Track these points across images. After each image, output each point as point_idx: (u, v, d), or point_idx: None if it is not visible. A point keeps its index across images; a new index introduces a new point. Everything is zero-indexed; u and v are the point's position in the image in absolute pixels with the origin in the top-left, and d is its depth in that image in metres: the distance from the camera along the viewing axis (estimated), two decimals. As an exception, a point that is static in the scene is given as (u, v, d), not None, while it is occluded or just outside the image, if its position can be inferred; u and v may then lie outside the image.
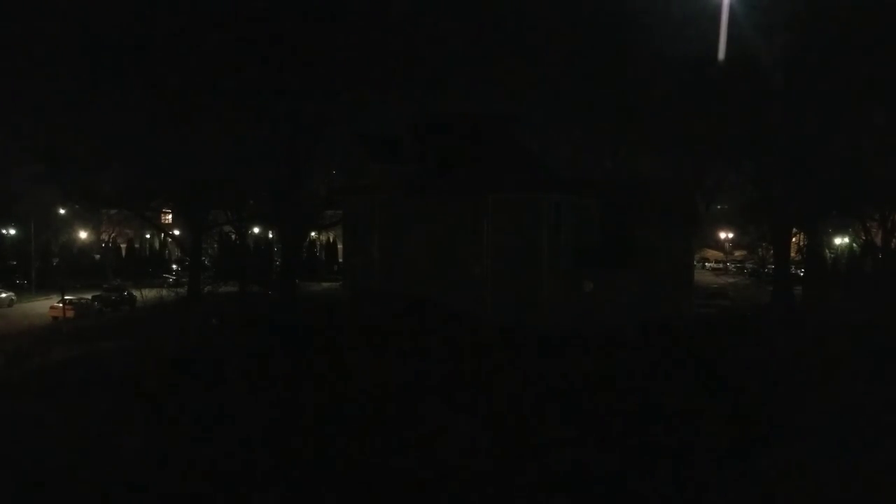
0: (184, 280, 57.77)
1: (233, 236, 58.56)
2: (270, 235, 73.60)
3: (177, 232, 69.32)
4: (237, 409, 24.30)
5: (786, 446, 21.34)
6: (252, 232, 68.70)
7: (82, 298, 49.54)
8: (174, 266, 72.29)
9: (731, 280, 62.45)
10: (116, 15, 43.35)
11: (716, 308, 45.88)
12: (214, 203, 54.55)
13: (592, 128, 52.12)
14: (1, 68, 46.67)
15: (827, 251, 63.85)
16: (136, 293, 52.31)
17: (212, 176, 49.39)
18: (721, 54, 40.07)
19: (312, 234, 69.93)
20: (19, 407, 25.77)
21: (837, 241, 69.69)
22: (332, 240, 75.02)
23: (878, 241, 58.89)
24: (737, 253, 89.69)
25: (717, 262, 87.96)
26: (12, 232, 68.83)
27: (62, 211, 71.46)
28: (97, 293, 53.46)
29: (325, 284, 59.03)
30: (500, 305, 35.86)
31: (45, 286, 58.86)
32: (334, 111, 46.62)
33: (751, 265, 73.76)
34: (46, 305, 49.32)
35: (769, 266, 59.36)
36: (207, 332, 35.87)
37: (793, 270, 54.17)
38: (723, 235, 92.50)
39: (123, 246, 76.38)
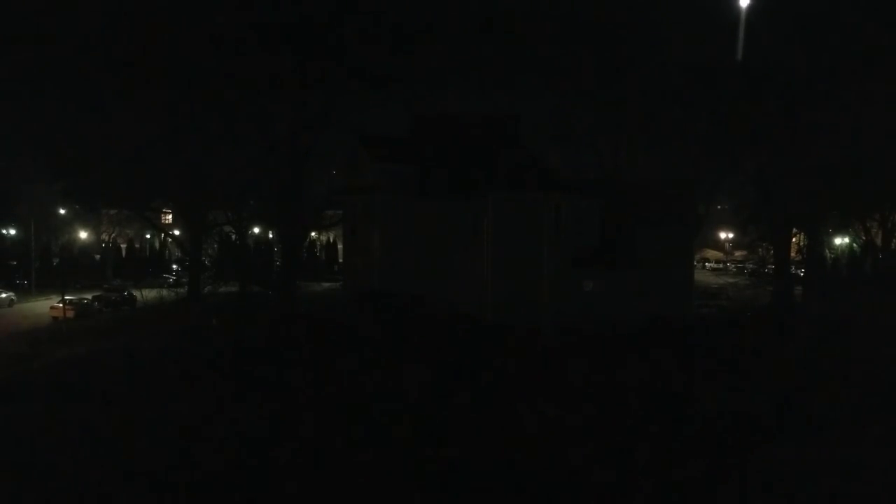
0: (184, 280, 57.74)
1: (233, 236, 58.49)
2: (270, 235, 73.53)
3: (177, 232, 69.25)
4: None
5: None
6: (252, 232, 68.60)
7: (82, 298, 49.48)
8: (174, 266, 72.20)
9: (731, 280, 62.30)
10: (118, 16, 43.36)
11: (716, 308, 45.87)
12: (214, 203, 54.50)
13: (593, 128, 52.05)
14: (3, 70, 46.72)
15: (827, 251, 63.75)
16: (136, 293, 52.27)
17: (212, 176, 49.35)
18: (738, 55, 40.20)
19: (312, 234, 69.86)
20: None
21: (837, 241, 69.62)
22: (332, 240, 74.96)
23: (878, 241, 58.88)
24: (737, 253, 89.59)
25: (717, 262, 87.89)
26: (12, 232, 68.78)
27: (62, 211, 71.36)
28: (97, 293, 53.40)
29: (326, 284, 58.99)
30: (500, 305, 35.88)
31: (45, 286, 58.79)
32: (334, 111, 46.62)
33: (751, 265, 73.67)
34: (46, 305, 49.26)
35: (769, 266, 59.29)
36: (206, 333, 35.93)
37: (793, 270, 54.11)
38: (723, 235, 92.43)
39: (123, 246, 76.21)
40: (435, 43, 45.58)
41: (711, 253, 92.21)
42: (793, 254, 55.00)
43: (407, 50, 44.68)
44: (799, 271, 55.72)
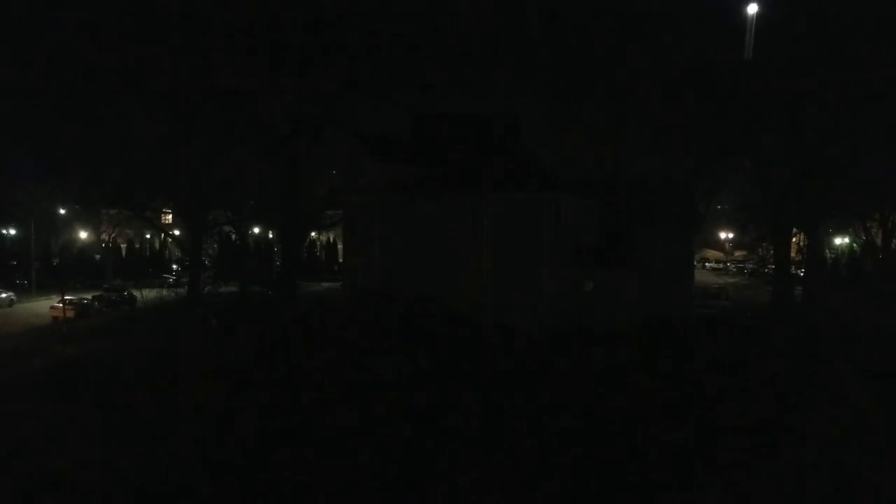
0: (184, 280, 57.74)
1: (233, 236, 58.49)
2: (270, 235, 73.59)
3: (177, 232, 69.28)
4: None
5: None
6: (252, 232, 68.66)
7: (82, 298, 49.50)
8: (174, 266, 72.27)
9: (731, 280, 62.39)
10: (118, 16, 43.36)
11: (716, 308, 45.90)
12: (214, 203, 54.52)
13: (592, 127, 52.07)
14: (4, 71, 46.73)
15: (827, 251, 63.82)
16: (136, 293, 52.29)
17: (212, 176, 49.33)
18: (748, 54, 40.27)
19: (312, 234, 69.90)
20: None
21: (837, 241, 69.72)
22: (332, 240, 75.06)
23: (878, 241, 58.95)
24: (737, 253, 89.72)
25: (717, 262, 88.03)
26: (12, 232, 68.83)
27: (62, 211, 71.42)
28: (97, 293, 53.42)
29: (326, 284, 59.02)
30: (500, 305, 35.87)
31: (45, 286, 58.84)
32: (334, 111, 46.61)
33: (751, 265, 73.77)
34: (46, 305, 49.29)
35: (769, 266, 59.33)
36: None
37: (793, 270, 54.14)
38: (723, 235, 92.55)
39: (123, 246, 76.32)
40: (434, 44, 45.54)
41: (711, 253, 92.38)
42: (793, 254, 55.02)
43: (406, 51, 44.65)
44: (799, 271, 55.76)
